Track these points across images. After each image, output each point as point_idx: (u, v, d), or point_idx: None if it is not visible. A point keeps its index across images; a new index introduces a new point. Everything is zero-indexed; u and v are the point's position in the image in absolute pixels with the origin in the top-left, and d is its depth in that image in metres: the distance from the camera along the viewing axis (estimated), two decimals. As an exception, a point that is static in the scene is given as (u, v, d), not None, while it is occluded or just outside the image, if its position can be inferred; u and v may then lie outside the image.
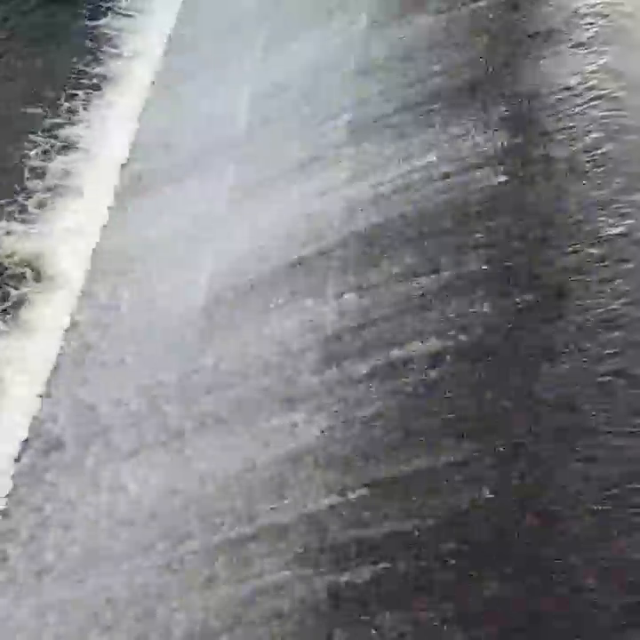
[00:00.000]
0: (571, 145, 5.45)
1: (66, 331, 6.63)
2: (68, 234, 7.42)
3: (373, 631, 4.05)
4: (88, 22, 9.44)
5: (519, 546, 4.00)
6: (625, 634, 3.61)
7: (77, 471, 5.65)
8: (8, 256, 7.18)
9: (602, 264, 4.79)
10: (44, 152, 8.01)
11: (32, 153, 7.98)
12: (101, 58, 9.01)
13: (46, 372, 6.36)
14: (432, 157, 5.98)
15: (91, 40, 9.23)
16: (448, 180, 5.76)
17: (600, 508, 3.92)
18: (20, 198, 7.61)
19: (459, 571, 4.03)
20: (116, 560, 5.08)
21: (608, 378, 4.31)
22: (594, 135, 5.42)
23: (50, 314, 6.79)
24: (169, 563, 4.90)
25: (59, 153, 8.03)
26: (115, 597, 4.91)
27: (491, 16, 6.73)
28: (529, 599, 3.84)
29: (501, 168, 5.60)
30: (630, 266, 4.75)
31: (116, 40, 9.29)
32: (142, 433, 5.65)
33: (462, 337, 4.90)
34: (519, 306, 4.86)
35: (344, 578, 4.26)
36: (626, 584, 3.72)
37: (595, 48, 5.94)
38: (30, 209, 7.55)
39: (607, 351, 4.42)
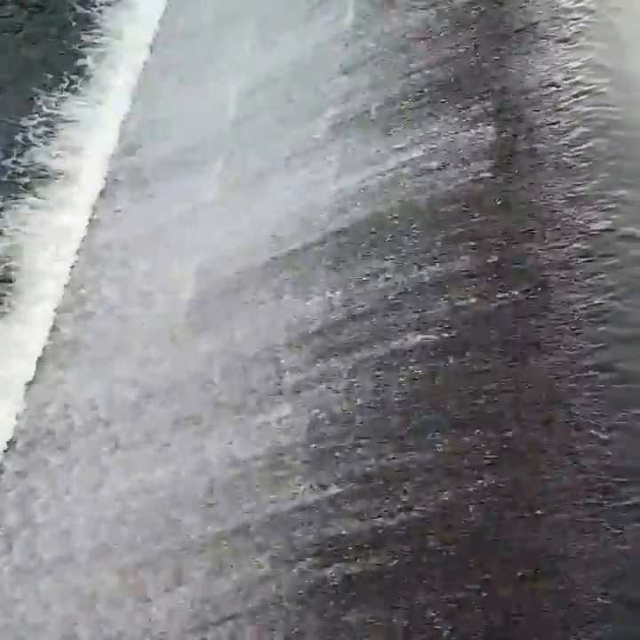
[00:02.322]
0: (556, 140, 5.47)
1: (53, 324, 6.62)
2: (55, 228, 7.39)
3: (359, 624, 4.07)
4: (73, 13, 9.37)
5: (507, 538, 4.03)
6: (612, 624, 3.64)
7: (65, 464, 5.65)
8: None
9: (587, 259, 4.82)
10: (30, 146, 7.98)
11: (17, 146, 7.94)
12: (88, 52, 8.97)
13: (33, 363, 6.36)
14: (418, 152, 5.99)
15: (77, 32, 9.18)
16: (434, 174, 5.78)
17: (587, 500, 3.95)
18: (4, 191, 7.58)
19: (446, 564, 4.06)
20: (92, 557, 5.09)
21: (594, 372, 4.34)
22: (579, 130, 5.44)
23: (37, 307, 6.77)
24: (149, 558, 4.91)
25: (44, 147, 8.00)
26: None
27: (476, 11, 6.74)
28: (518, 590, 3.87)
29: (487, 163, 5.61)
30: (616, 261, 4.77)
31: (102, 34, 9.24)
32: (128, 427, 5.66)
33: (449, 331, 4.92)
34: (505, 300, 4.88)
35: (330, 572, 4.28)
36: (613, 575, 3.76)
37: (580, 44, 5.96)
38: (16, 202, 7.52)
39: (593, 345, 4.45)
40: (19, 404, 6.17)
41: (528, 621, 3.80)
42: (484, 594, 3.90)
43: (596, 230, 4.92)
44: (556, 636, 3.72)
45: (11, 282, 6.95)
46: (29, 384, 6.28)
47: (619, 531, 3.81)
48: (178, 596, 4.68)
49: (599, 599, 3.70)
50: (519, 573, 3.89)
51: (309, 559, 4.40)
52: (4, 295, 6.86)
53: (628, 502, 3.87)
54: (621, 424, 4.12)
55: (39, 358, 6.41)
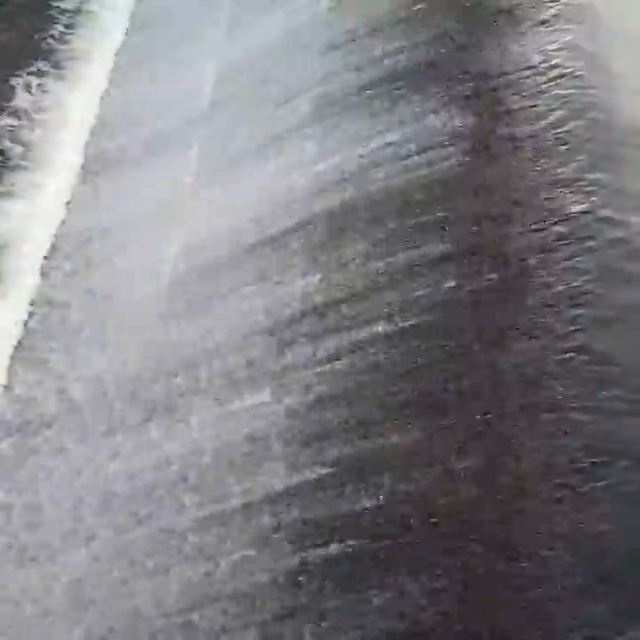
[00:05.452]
0: (534, 123, 5.48)
1: (30, 310, 6.58)
2: (29, 213, 7.34)
3: (337, 609, 4.09)
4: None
5: (486, 519, 4.05)
6: (588, 603, 3.67)
7: (41, 451, 5.62)
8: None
9: (566, 242, 4.84)
10: (5, 130, 7.91)
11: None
12: (62, 35, 8.89)
13: (11, 348, 6.32)
14: (396, 136, 5.99)
15: (51, 16, 9.09)
16: (412, 158, 5.77)
17: (564, 481, 3.97)
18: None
19: (425, 546, 4.07)
20: (79, 541, 5.08)
21: (571, 354, 4.36)
22: (558, 113, 5.45)
23: (14, 292, 6.73)
24: (134, 544, 4.91)
25: (20, 131, 7.93)
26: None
27: (455, -6, 6.75)
28: (496, 571, 3.89)
29: (465, 146, 5.62)
30: (594, 243, 4.79)
31: (77, 16, 9.16)
32: (107, 413, 5.63)
33: (428, 316, 4.93)
34: (484, 284, 4.89)
35: (306, 556, 4.29)
36: (590, 554, 3.78)
37: (558, 26, 5.97)
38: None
39: (571, 328, 4.47)
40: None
41: (507, 602, 3.82)
42: (464, 575, 3.92)
43: (574, 213, 4.93)
44: (536, 616, 3.74)
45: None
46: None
47: (597, 511, 3.84)
48: (160, 582, 4.68)
49: (579, 579, 3.73)
50: (498, 554, 3.92)
51: (290, 542, 4.41)
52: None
53: (606, 482, 3.90)
54: (599, 405, 4.15)
55: (18, 344, 6.38)
